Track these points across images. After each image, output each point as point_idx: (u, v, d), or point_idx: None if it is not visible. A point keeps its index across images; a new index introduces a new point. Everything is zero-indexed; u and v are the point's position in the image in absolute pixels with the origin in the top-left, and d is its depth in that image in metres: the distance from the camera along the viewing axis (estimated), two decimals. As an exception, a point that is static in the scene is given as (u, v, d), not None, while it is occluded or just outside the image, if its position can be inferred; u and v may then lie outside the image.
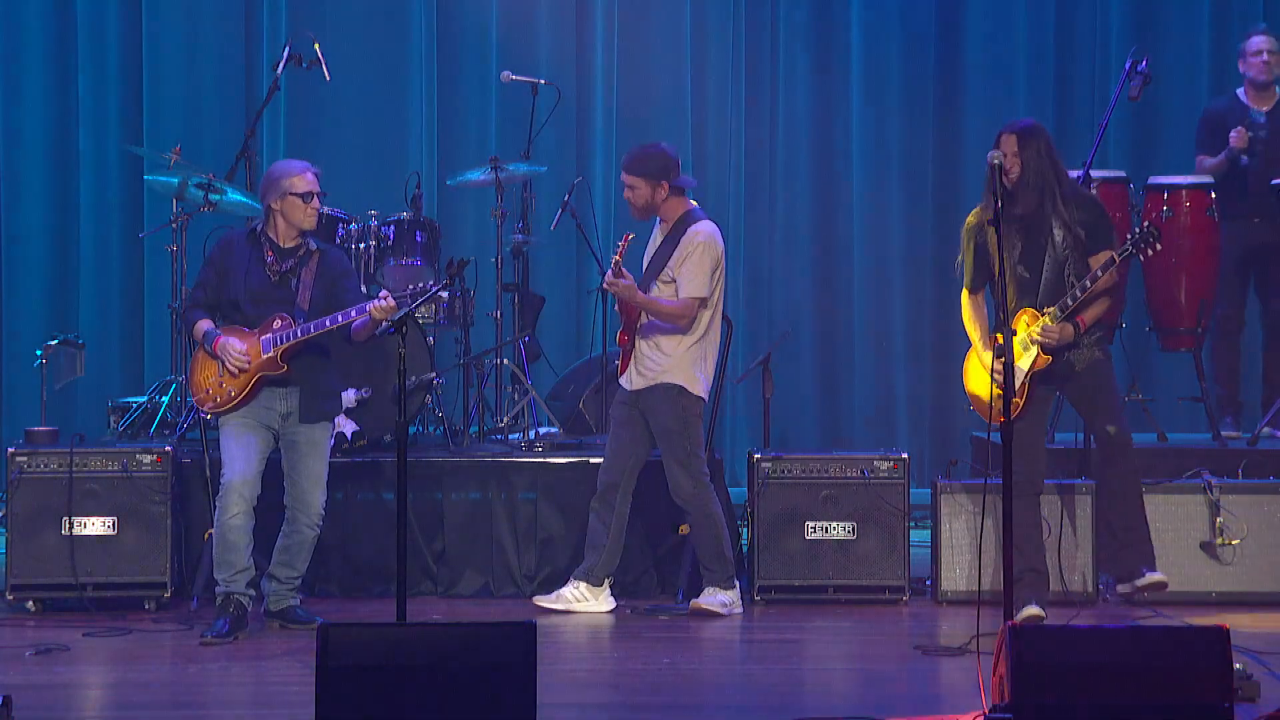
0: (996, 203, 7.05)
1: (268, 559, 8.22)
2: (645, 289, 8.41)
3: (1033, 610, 8.06)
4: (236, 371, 7.96)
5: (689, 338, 8.40)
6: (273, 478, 8.16)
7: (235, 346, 7.96)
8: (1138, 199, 9.73)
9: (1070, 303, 7.98)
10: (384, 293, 7.86)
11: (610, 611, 8.58)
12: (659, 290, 8.43)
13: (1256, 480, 8.94)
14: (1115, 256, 7.92)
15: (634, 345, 8.48)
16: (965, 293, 8.30)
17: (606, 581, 8.59)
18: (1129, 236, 7.92)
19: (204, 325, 8.07)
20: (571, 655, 7.93)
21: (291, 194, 8.04)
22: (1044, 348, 8.03)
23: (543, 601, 8.61)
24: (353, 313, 7.86)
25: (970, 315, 8.29)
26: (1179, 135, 11.32)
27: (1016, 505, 8.05)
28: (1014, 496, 8.06)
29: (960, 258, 8.30)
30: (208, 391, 8.05)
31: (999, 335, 7.94)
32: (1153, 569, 8.25)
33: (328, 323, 7.91)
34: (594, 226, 10.40)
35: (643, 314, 8.44)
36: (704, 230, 8.41)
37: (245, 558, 8.03)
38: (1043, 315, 8.02)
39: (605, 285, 8.40)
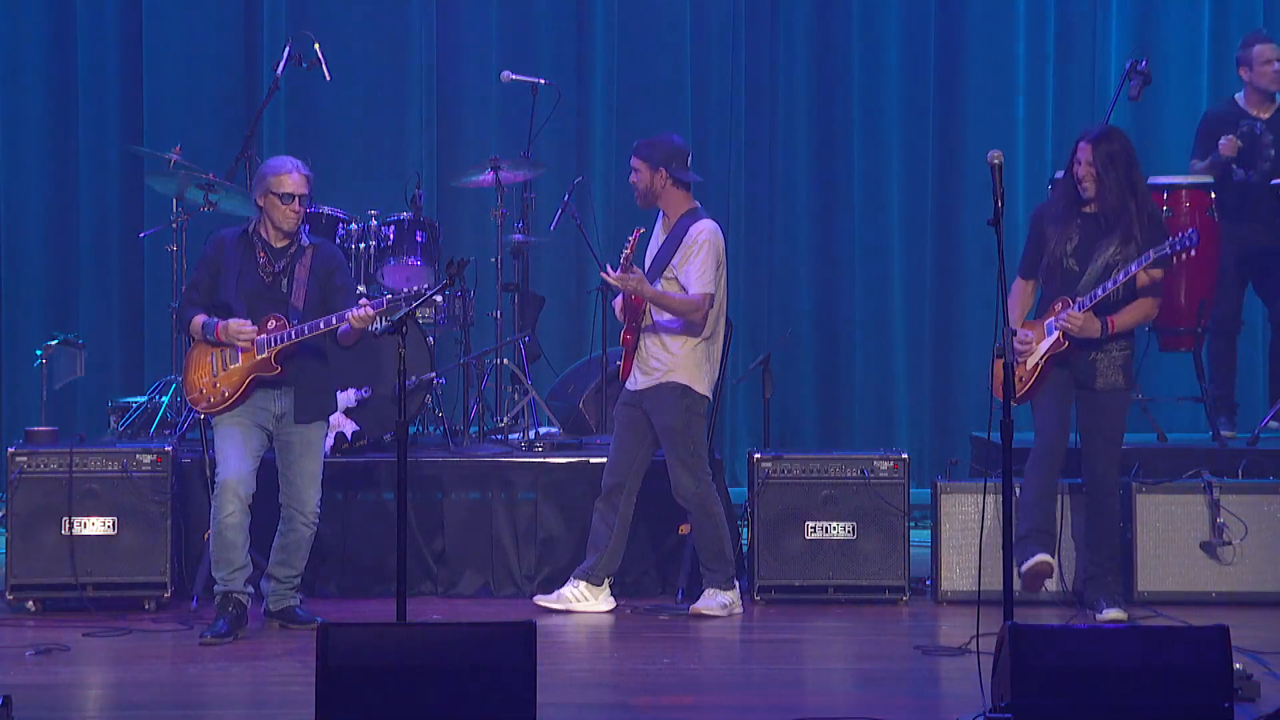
0: (997, 204, 7.04)
1: (266, 557, 8.22)
2: (648, 289, 8.42)
3: (1043, 557, 8.13)
4: (249, 346, 7.92)
5: (694, 337, 8.39)
6: (268, 476, 8.16)
7: (237, 323, 7.92)
8: (1138, 199, 9.71)
9: (1100, 293, 8.07)
10: (363, 301, 7.84)
11: (610, 611, 8.58)
12: (663, 288, 8.41)
13: (1256, 480, 8.95)
14: (1152, 253, 8.01)
15: (638, 345, 8.47)
16: (1019, 278, 8.45)
17: (607, 581, 8.59)
18: (1168, 241, 8.00)
19: (201, 318, 8.04)
20: (571, 655, 7.93)
21: (273, 193, 8.01)
22: (1065, 333, 8.11)
23: (543, 601, 8.61)
24: (348, 315, 7.83)
25: (1014, 298, 8.42)
26: (1179, 135, 11.31)
27: (1031, 471, 8.15)
28: (1030, 461, 8.16)
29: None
30: (201, 391, 8.04)
31: (1066, 299, 8.07)
32: (1111, 607, 8.33)
33: (321, 325, 7.89)
34: (594, 226, 10.40)
35: (647, 313, 8.43)
36: (706, 228, 8.41)
37: (243, 555, 8.03)
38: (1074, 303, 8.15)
39: (614, 281, 8.35)
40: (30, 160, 11.52)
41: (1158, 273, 8.20)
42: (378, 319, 7.84)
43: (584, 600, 8.56)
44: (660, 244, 8.52)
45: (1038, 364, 8.24)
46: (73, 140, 11.51)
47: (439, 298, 9.37)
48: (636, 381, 8.50)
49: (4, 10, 11.45)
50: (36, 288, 11.52)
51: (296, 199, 8.01)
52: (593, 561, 8.56)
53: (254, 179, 8.20)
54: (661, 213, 8.56)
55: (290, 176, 8.02)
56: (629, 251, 8.25)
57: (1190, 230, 8.10)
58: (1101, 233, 8.23)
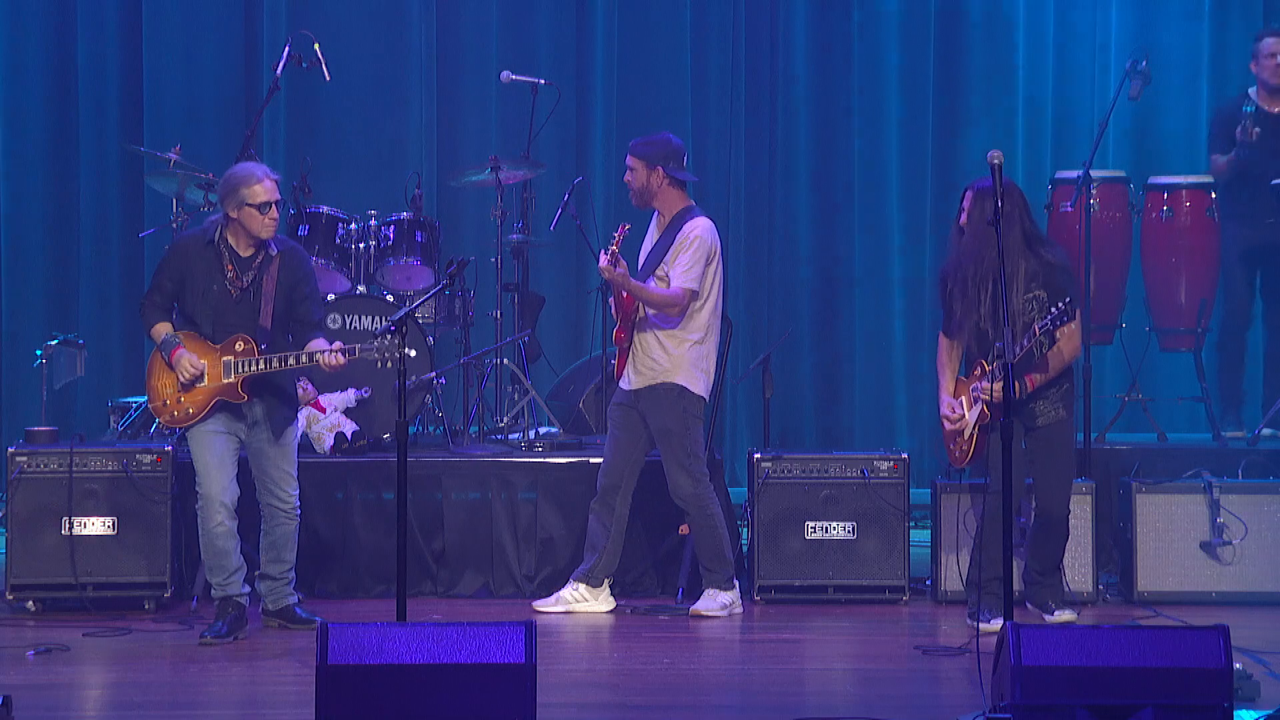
0: (998, 203, 7.04)
1: (257, 551, 8.22)
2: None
3: (1000, 624, 8.02)
4: (189, 381, 7.86)
5: (690, 337, 8.39)
6: (249, 475, 8.17)
7: (191, 360, 7.85)
8: (1138, 199, 9.72)
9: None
10: (337, 344, 7.80)
11: (610, 611, 8.58)
12: (655, 286, 8.41)
13: (1256, 480, 8.95)
14: (1036, 329, 7.84)
15: (631, 344, 8.47)
16: (942, 335, 8.33)
17: (606, 582, 8.58)
18: (1050, 312, 7.79)
19: (163, 329, 7.93)
20: (571, 655, 7.93)
21: (248, 205, 7.85)
22: (986, 404, 8.01)
23: (542, 607, 8.59)
24: (318, 356, 7.76)
25: (941, 359, 8.30)
26: (1179, 135, 11.32)
27: (993, 520, 8.03)
28: (990, 514, 8.07)
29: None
30: (164, 403, 7.95)
31: (983, 364, 7.99)
32: (1062, 608, 8.29)
33: (291, 360, 7.82)
34: (594, 226, 10.40)
35: (640, 312, 8.42)
36: (700, 225, 8.40)
37: (235, 559, 8.01)
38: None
39: (600, 269, 8.35)
40: (30, 160, 11.51)
41: (1068, 324, 7.95)
42: (357, 351, 7.76)
43: (583, 601, 8.55)
44: (654, 242, 8.52)
45: (971, 434, 8.14)
46: (73, 140, 11.51)
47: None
48: (630, 381, 8.49)
49: (5, 10, 11.45)
50: (36, 288, 11.51)
51: (273, 205, 7.88)
52: (591, 563, 8.56)
53: (220, 189, 7.97)
54: (656, 211, 8.56)
55: (263, 184, 7.86)
56: (615, 246, 8.24)
57: (1068, 299, 7.77)
58: (1006, 288, 7.99)
